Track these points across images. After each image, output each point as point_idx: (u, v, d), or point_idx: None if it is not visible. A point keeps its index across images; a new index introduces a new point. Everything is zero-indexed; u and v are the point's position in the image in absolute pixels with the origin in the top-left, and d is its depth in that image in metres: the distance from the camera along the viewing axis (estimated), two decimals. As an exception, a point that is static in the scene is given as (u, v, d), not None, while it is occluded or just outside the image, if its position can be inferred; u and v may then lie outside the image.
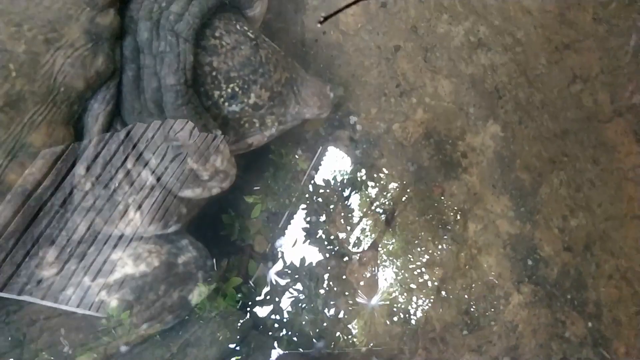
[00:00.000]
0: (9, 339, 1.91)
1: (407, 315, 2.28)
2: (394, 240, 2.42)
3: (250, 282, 2.48)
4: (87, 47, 1.80)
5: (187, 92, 1.92)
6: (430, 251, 2.37)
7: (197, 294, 2.09)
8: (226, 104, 2.09)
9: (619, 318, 2.10)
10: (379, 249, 2.40)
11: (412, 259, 2.36)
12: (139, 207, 1.94)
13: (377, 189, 2.49)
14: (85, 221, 1.89)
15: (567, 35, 2.28)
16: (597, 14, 2.25)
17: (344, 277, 2.36)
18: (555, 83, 2.29)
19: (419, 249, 2.37)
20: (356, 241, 2.43)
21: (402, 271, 2.34)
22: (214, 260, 2.34)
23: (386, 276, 2.37)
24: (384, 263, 2.39)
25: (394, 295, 2.33)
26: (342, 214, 2.45)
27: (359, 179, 2.46)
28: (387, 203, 2.45)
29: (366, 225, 2.46)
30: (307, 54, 2.79)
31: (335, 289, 2.34)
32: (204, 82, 2.02)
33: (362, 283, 2.35)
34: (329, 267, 2.38)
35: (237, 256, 2.49)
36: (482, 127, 2.43)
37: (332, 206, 2.44)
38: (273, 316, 2.39)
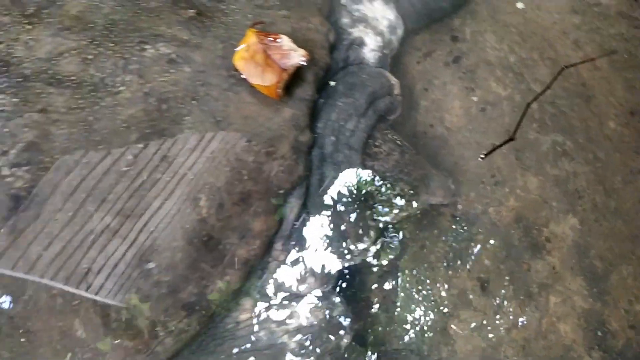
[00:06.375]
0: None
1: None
2: (483, 302, 3.04)
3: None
4: (293, 158, 2.47)
5: (357, 193, 2.60)
6: (517, 315, 2.99)
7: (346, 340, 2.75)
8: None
9: (673, 389, 2.70)
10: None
11: (502, 320, 2.99)
12: (313, 272, 2.61)
13: (474, 260, 3.13)
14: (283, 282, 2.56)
15: (642, 164, 2.93)
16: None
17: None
18: (629, 198, 2.92)
19: (508, 313, 3.00)
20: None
21: (495, 329, 2.97)
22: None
23: (479, 332, 2.98)
24: (475, 318, 3.00)
25: (484, 349, 2.95)
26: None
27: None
28: (483, 273, 3.09)
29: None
30: (417, 144, 3.46)
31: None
32: (367, 182, 2.70)
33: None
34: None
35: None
36: (563, 219, 3.06)
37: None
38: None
